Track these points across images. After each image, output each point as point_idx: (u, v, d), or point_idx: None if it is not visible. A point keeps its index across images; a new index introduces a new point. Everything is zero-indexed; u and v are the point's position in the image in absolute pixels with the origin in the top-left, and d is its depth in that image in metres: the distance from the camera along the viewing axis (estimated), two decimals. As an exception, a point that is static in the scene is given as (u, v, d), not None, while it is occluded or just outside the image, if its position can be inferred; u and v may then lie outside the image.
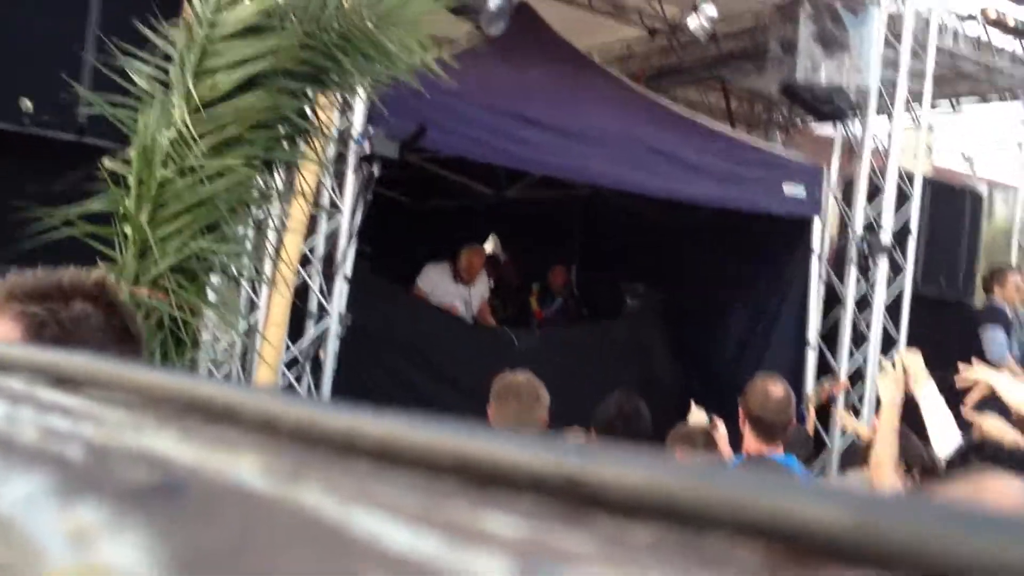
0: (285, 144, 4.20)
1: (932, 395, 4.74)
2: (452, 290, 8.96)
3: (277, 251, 5.42)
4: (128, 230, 3.88)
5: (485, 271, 9.44)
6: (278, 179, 4.32)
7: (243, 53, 3.85)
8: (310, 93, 4.15)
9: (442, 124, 6.83)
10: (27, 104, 6.19)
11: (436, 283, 8.92)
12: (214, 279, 4.30)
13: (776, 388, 4.44)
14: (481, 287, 9.29)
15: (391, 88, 4.68)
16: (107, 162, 3.94)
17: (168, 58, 4.12)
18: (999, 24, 10.11)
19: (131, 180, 3.88)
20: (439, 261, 9.07)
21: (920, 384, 4.76)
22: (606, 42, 11.00)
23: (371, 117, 6.56)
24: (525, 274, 10.84)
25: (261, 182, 4.25)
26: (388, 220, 7.61)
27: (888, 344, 9.12)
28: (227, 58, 3.86)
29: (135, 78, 4.06)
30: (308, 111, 4.24)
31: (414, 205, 10.46)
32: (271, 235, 5.46)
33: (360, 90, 4.80)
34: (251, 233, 4.57)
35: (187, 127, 3.75)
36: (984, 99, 11.74)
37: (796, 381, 8.48)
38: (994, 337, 8.22)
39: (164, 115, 3.85)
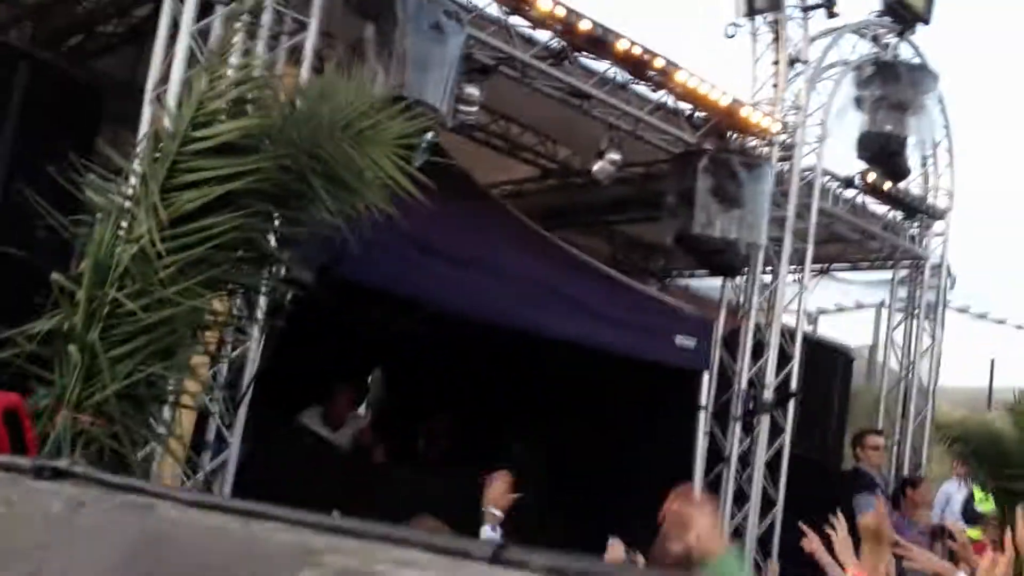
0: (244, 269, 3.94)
1: None
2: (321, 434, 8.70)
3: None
4: (73, 351, 3.51)
5: (356, 408, 9.19)
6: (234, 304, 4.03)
7: (217, 171, 3.60)
8: (277, 216, 3.91)
9: (356, 252, 6.60)
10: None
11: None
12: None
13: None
14: (351, 427, 9.01)
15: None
16: (56, 277, 3.59)
17: (118, 172, 3.84)
18: (875, 190, 10.49)
19: (80, 298, 3.54)
20: (312, 407, 8.76)
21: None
22: (500, 180, 10.99)
23: (287, 241, 6.27)
24: (413, 408, 10.53)
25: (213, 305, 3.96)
26: (280, 344, 7.24)
27: (767, 502, 9.14)
28: (199, 175, 3.59)
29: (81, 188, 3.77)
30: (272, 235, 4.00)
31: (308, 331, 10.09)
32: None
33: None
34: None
35: (152, 245, 3.45)
36: (854, 264, 12.14)
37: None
38: (867, 503, 8.33)
39: (124, 231, 3.55)
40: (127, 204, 3.74)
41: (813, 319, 21.97)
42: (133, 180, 3.79)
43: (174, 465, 5.23)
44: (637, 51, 7.74)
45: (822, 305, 21.02)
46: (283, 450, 7.47)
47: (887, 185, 10.41)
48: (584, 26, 7.38)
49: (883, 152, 10.06)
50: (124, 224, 3.70)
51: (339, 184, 3.89)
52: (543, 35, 7.57)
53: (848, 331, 19.05)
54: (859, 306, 19.42)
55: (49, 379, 3.50)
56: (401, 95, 6.23)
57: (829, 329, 20.81)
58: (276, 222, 4.49)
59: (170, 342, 3.61)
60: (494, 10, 7.31)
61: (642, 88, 8.32)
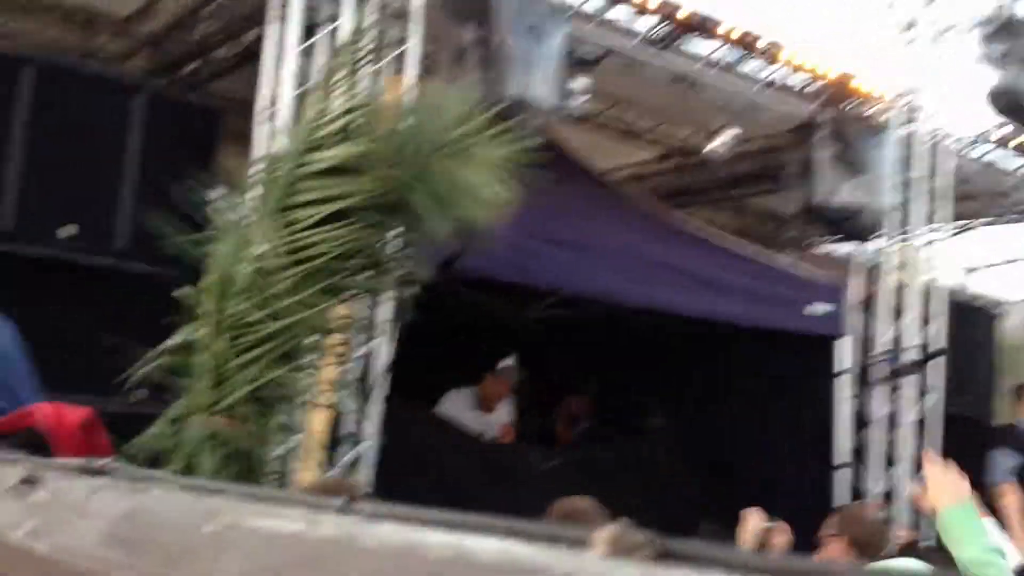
0: (361, 275, 4.22)
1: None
2: (471, 417, 8.94)
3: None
4: (203, 360, 3.86)
5: (508, 397, 9.41)
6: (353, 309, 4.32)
7: (328, 192, 3.89)
8: (388, 225, 4.17)
9: (474, 247, 6.86)
10: (69, 230, 6.23)
11: (457, 411, 8.90)
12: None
13: (872, 511, 4.58)
14: (502, 413, 9.25)
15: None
16: (182, 293, 3.94)
17: (239, 188, 4.16)
18: (1007, 145, 10.30)
19: (207, 311, 3.88)
20: (462, 388, 9.05)
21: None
22: (619, 164, 11.17)
23: (408, 240, 6.55)
24: (548, 393, 10.80)
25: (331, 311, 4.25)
26: (409, 340, 7.59)
27: (918, 464, 9.12)
28: (311, 196, 3.89)
29: (204, 209, 4.09)
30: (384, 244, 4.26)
31: (436, 325, 10.44)
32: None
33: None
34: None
35: (269, 261, 3.76)
36: (994, 220, 11.92)
37: (823, 503, 8.42)
38: (997, 462, 8.20)
39: (242, 247, 3.87)
40: (246, 222, 4.05)
41: (965, 276, 21.43)
42: (250, 199, 4.10)
43: (311, 461, 5.61)
44: (740, 32, 7.82)
45: (973, 262, 20.52)
46: (421, 441, 7.78)
47: (1019, 139, 10.22)
48: (684, 12, 7.50)
49: (1014, 105, 9.85)
50: (244, 240, 4.01)
51: (445, 200, 4.12)
52: (645, 23, 7.71)
53: (1005, 286, 18.59)
54: (1012, 260, 18.94)
55: (182, 388, 3.85)
56: (504, 99, 6.49)
57: (984, 285, 20.27)
58: (390, 231, 4.76)
59: (292, 347, 3.91)
60: (592, 4, 7.48)
61: (752, 65, 8.38)
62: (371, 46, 6.19)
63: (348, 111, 3.91)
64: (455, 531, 0.70)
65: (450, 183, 3.92)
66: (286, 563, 0.76)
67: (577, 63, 7.49)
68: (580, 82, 7.42)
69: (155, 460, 3.77)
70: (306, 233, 3.82)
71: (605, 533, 0.63)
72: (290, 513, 0.83)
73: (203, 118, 6.43)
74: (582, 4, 7.39)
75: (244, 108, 6.27)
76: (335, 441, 6.41)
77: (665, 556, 0.60)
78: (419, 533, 0.71)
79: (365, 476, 6.70)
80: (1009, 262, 18.51)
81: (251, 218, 3.91)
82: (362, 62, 5.26)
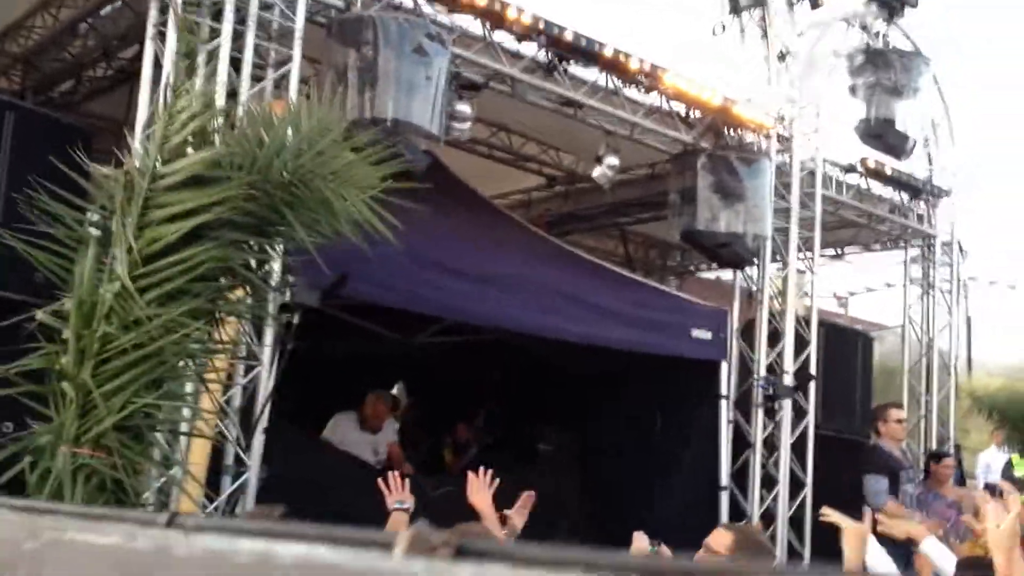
0: (229, 295, 4.13)
1: (874, 549, 4.87)
2: (359, 438, 8.86)
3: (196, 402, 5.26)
4: (67, 387, 3.73)
5: (392, 416, 9.36)
6: (222, 332, 4.22)
7: (187, 204, 3.80)
8: (254, 245, 4.10)
9: (361, 273, 6.80)
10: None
11: (344, 434, 8.80)
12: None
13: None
14: (388, 432, 9.19)
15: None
16: (42, 316, 3.81)
17: (103, 207, 4.05)
18: (877, 174, 10.66)
19: (68, 335, 3.76)
20: (346, 411, 8.96)
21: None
22: (507, 191, 11.23)
23: (290, 266, 6.47)
24: (435, 420, 10.75)
25: (203, 335, 4.15)
26: (297, 366, 7.48)
27: (796, 484, 9.30)
28: (171, 209, 3.80)
29: (64, 227, 3.97)
30: (253, 263, 4.17)
31: (323, 351, 10.37)
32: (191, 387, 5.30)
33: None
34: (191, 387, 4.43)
35: (131, 280, 3.66)
36: (866, 247, 12.28)
37: (711, 523, 8.51)
38: (874, 487, 8.27)
39: (103, 268, 3.76)
40: (107, 241, 3.93)
41: (843, 302, 22.13)
42: (114, 219, 3.98)
43: (191, 491, 5.45)
44: (622, 58, 7.91)
45: (853, 288, 21.22)
46: (310, 468, 7.66)
47: (889, 168, 10.58)
48: (567, 37, 7.56)
49: (880, 136, 10.18)
50: (106, 261, 3.89)
51: (317, 217, 4.06)
52: (529, 49, 7.75)
53: (881, 311, 19.26)
54: (889, 286, 19.61)
55: (47, 415, 3.72)
56: (383, 118, 6.46)
57: (861, 310, 20.96)
58: (273, 250, 4.67)
59: (161, 373, 3.81)
60: (477, 28, 7.50)
61: (634, 92, 8.49)
62: (254, 60, 6.11)
63: (194, 116, 3.83)
64: (265, 539, 0.71)
65: (323, 200, 3.87)
66: (102, 574, 0.76)
67: (463, 87, 7.50)
68: (464, 107, 7.43)
69: (17, 491, 3.63)
70: (167, 252, 3.73)
71: (406, 534, 0.64)
72: (112, 528, 0.82)
73: (74, 138, 6.25)
74: (467, 27, 7.40)
75: (121, 128, 6.12)
76: (218, 471, 6.27)
77: (460, 554, 0.60)
78: (231, 541, 0.72)
79: (249, 505, 6.57)
80: (884, 288, 19.17)
81: (113, 238, 3.80)
82: (212, 64, 5.18)
